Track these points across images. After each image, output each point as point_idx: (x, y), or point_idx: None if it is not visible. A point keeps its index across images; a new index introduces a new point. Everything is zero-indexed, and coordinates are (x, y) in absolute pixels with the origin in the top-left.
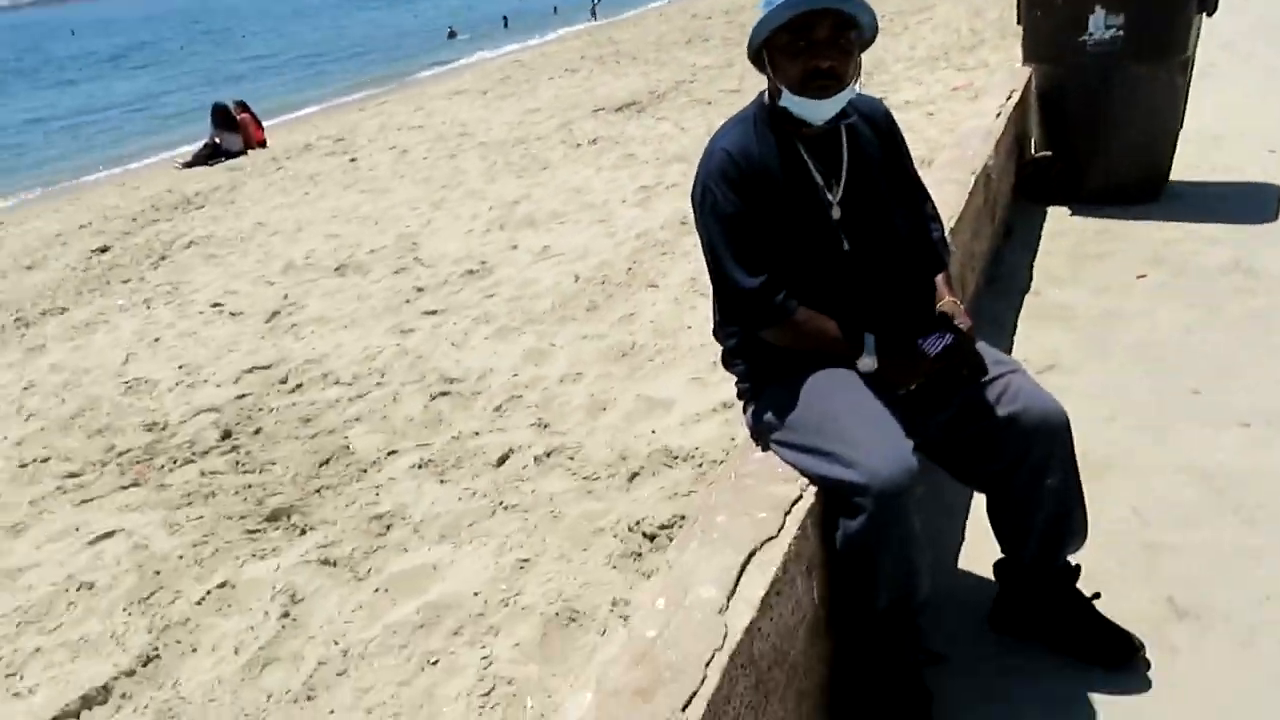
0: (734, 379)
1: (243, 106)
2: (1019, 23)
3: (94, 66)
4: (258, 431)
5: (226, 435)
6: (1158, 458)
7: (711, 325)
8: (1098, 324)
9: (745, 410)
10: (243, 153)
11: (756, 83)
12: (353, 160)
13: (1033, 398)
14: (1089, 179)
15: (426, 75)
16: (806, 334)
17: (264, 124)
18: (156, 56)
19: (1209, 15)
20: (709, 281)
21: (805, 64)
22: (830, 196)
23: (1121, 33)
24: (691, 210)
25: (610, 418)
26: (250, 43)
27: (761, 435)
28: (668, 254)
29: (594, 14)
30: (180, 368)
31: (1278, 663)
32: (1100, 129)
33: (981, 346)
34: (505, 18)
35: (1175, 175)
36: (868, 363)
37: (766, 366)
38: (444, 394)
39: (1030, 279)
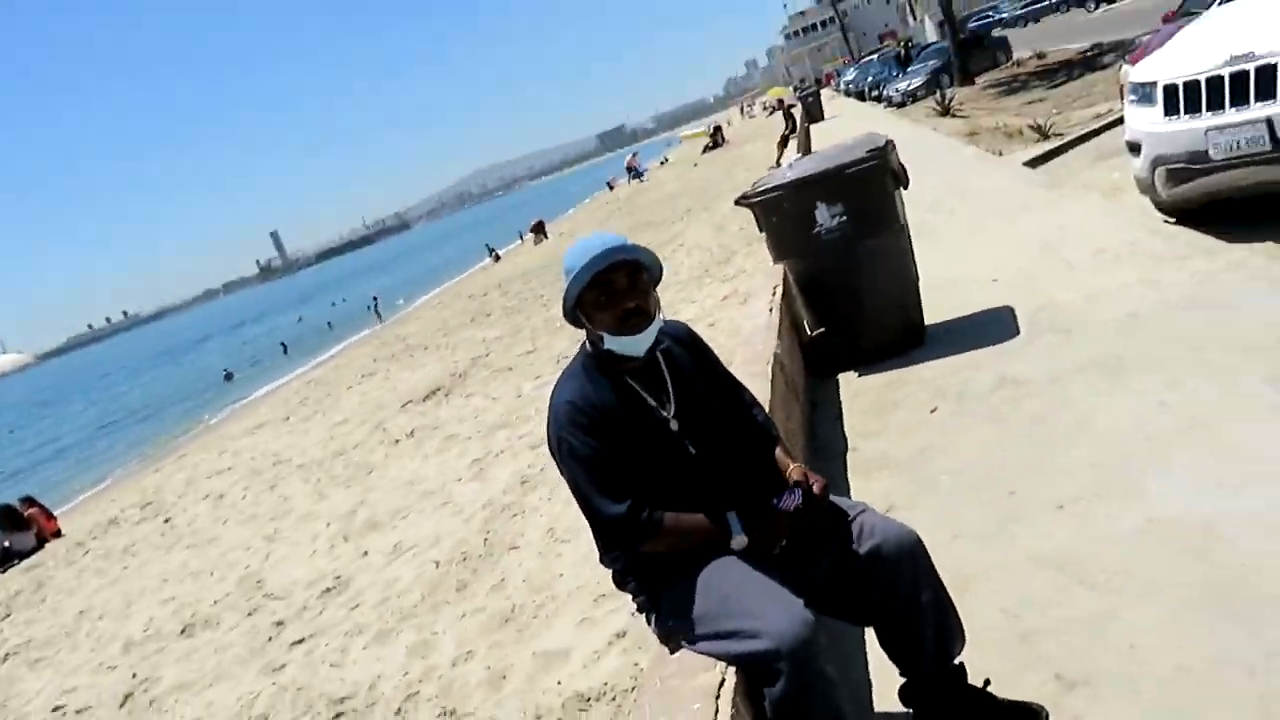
0: (629, 598)
1: (29, 502)
2: (761, 230)
3: None
4: None
5: None
6: (1003, 558)
7: (596, 557)
8: (914, 462)
9: (650, 622)
10: (37, 549)
11: (548, 341)
12: (167, 520)
13: (886, 529)
14: (862, 342)
15: (215, 420)
16: (679, 536)
17: (55, 513)
18: None
19: (905, 189)
20: (576, 524)
21: (615, 310)
22: (666, 414)
23: (845, 218)
24: (515, 479)
25: (514, 684)
26: (18, 437)
27: (671, 638)
28: (518, 515)
29: (378, 314)
30: None
31: (1166, 700)
32: (856, 299)
33: (832, 498)
34: (284, 344)
35: (929, 320)
36: (739, 540)
37: (655, 576)
38: (338, 716)
39: (845, 440)
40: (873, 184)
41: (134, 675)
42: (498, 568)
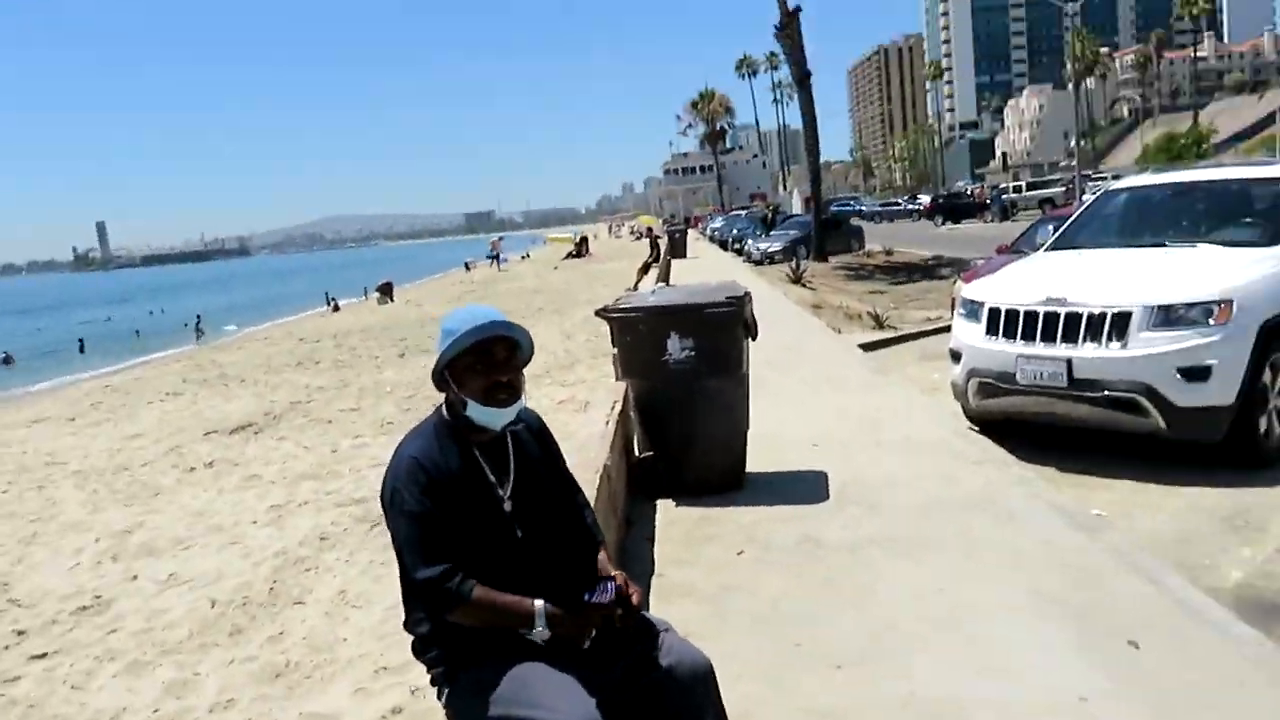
0: (421, 670)
1: None
2: (613, 345)
3: None
4: None
5: None
6: (780, 705)
7: (387, 628)
8: (715, 597)
9: (440, 696)
10: None
11: (374, 403)
12: None
13: (684, 651)
14: (686, 475)
15: None
16: (487, 611)
17: None
18: None
19: (753, 340)
20: (370, 592)
21: (487, 380)
22: (502, 493)
23: (693, 353)
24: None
25: None
26: None
27: (460, 716)
28: (311, 570)
29: (198, 332)
30: None
31: None
32: (689, 431)
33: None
34: (81, 341)
35: (749, 467)
36: (541, 632)
37: (458, 651)
38: None
39: (654, 563)
40: (726, 328)
41: None
42: (279, 619)
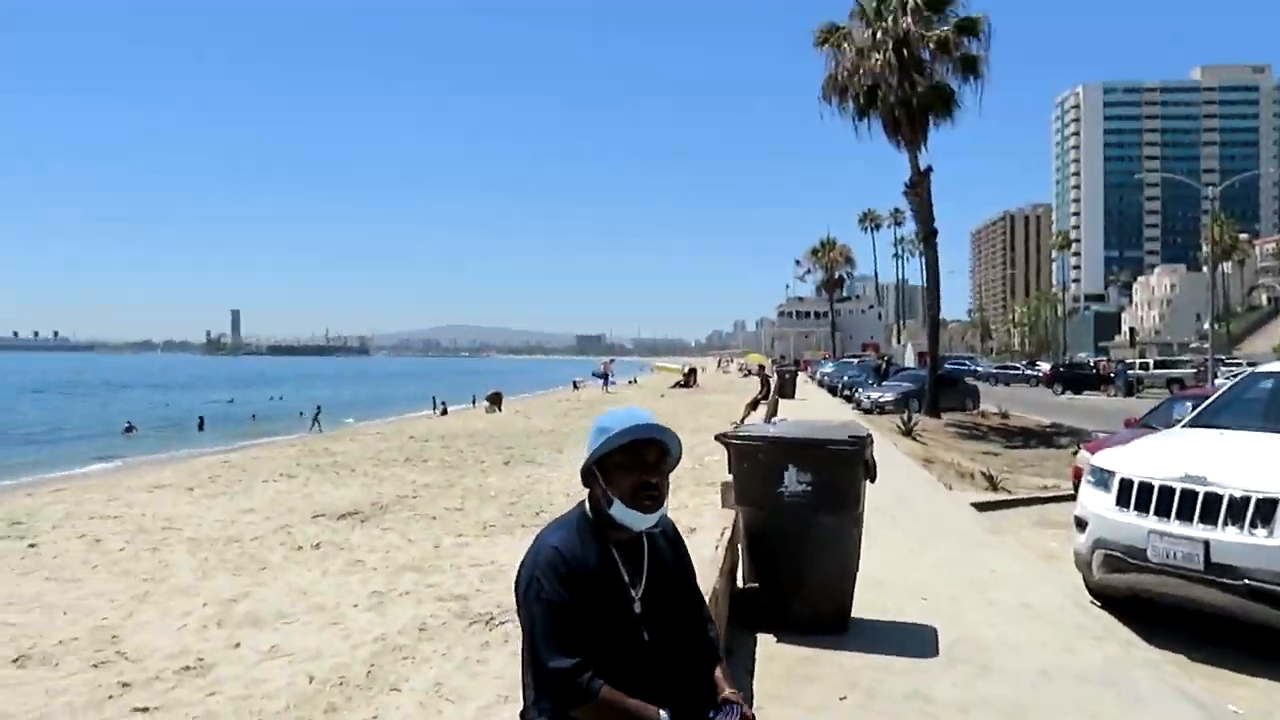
0: None
1: None
2: (730, 471)
3: None
4: None
5: None
6: None
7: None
8: None
9: None
10: None
11: (478, 505)
12: (31, 545)
13: None
14: (792, 611)
15: (102, 468)
16: (612, 711)
17: None
18: None
19: (872, 482)
20: (465, 689)
21: (637, 480)
22: (634, 594)
23: (810, 488)
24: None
25: None
26: None
27: None
28: (409, 659)
29: (316, 422)
30: None
31: None
32: (799, 566)
33: None
34: (201, 418)
35: (855, 613)
36: None
37: None
38: None
39: (753, 697)
40: (847, 466)
41: None
42: (374, 703)
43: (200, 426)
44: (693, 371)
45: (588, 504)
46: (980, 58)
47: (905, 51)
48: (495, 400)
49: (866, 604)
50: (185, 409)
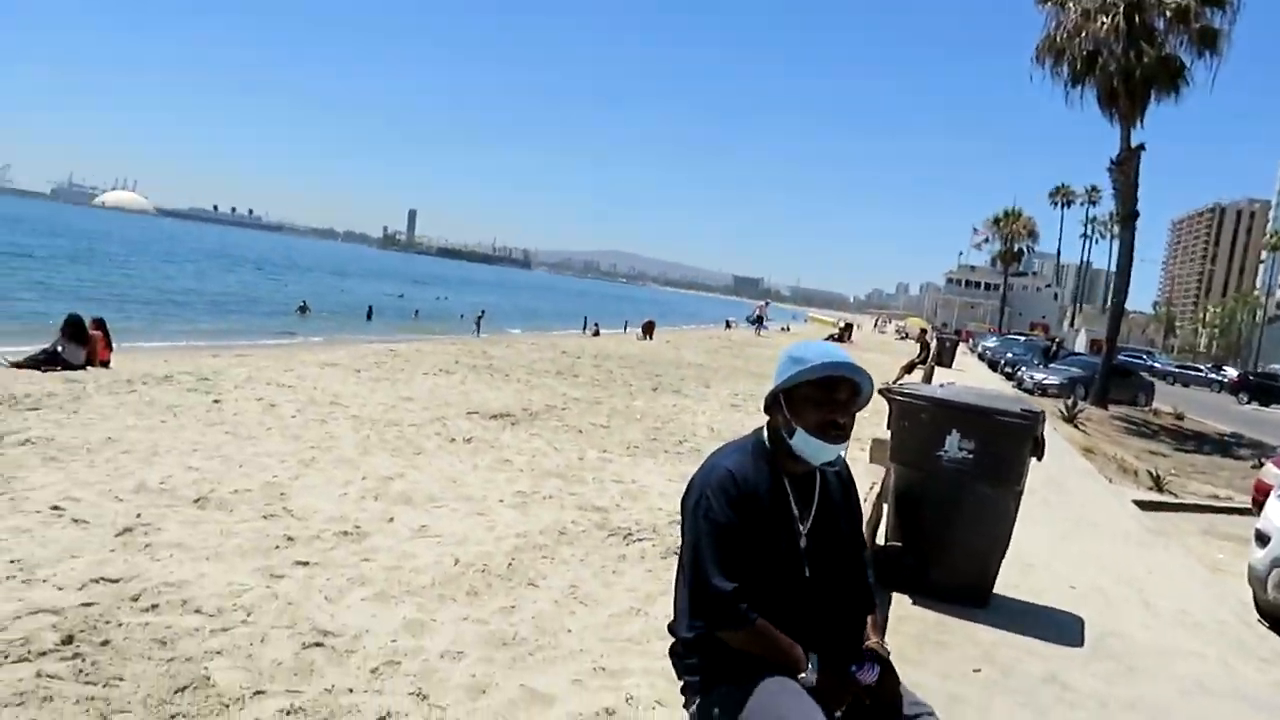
0: (639, 678)
1: (99, 324)
2: (888, 427)
3: None
4: (105, 643)
5: (68, 640)
6: None
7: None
8: (942, 707)
9: (689, 705)
10: (82, 367)
11: (622, 425)
12: (217, 401)
13: None
14: (933, 575)
15: (277, 343)
16: (761, 642)
17: (114, 346)
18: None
19: (1039, 460)
20: (598, 594)
21: (825, 415)
22: (801, 528)
23: (971, 455)
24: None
25: (491, 701)
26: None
27: None
28: (547, 559)
29: (477, 325)
30: (12, 562)
31: None
32: (947, 533)
33: (902, 687)
34: (370, 308)
35: (997, 589)
36: (810, 678)
37: (719, 665)
38: (317, 644)
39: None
40: (1014, 439)
41: (138, 515)
42: (513, 594)
43: (369, 316)
44: (849, 327)
45: (765, 431)
46: (1222, 32)
47: (1137, 17)
48: (648, 329)
49: (1009, 584)
50: (359, 298)
